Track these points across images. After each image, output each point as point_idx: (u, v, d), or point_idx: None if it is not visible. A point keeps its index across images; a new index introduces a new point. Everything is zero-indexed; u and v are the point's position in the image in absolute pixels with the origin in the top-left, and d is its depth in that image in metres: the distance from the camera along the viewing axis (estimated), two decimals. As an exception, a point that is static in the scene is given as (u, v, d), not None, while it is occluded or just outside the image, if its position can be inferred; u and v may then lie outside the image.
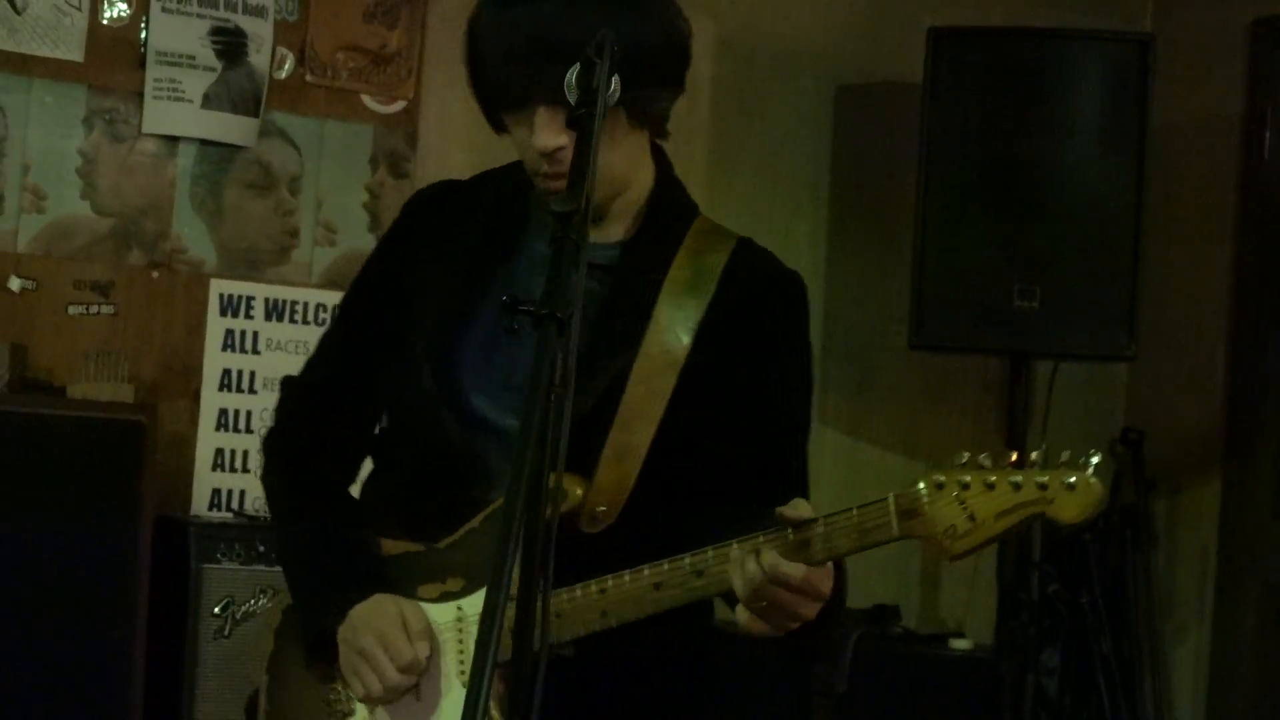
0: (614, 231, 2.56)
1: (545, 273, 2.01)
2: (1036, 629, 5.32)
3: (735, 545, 2.28)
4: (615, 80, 2.26)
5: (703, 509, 2.42)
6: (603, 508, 2.42)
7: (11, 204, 4.84)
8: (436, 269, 2.60)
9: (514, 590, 1.86)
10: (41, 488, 4.35)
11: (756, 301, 2.54)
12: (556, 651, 2.38)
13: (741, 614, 2.28)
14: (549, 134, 2.39)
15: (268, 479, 2.77)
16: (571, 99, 2.25)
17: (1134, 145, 5.19)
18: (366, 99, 5.25)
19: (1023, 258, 5.16)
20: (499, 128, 2.56)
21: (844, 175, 5.89)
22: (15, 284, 4.82)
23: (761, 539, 2.26)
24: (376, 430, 2.72)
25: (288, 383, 2.78)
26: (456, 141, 5.33)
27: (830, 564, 2.27)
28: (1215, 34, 5.91)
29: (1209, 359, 5.90)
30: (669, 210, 2.59)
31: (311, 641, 2.60)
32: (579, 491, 2.41)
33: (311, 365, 2.77)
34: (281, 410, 2.78)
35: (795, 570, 2.22)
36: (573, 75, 2.24)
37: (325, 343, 2.79)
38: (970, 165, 5.27)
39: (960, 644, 5.46)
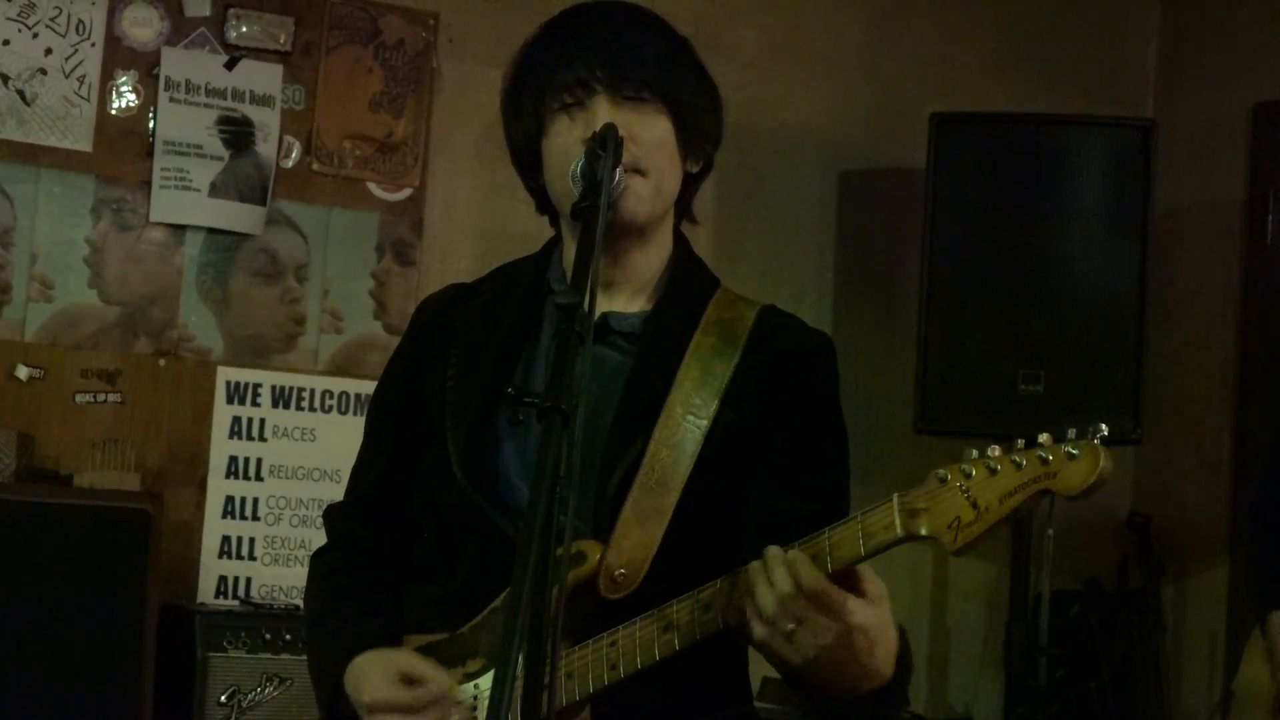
0: (637, 302, 2.59)
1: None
2: (1045, 714, 5.29)
3: (742, 571, 2.25)
4: (619, 172, 2.32)
5: (736, 567, 2.33)
6: (622, 571, 2.39)
7: (19, 293, 4.86)
8: (458, 364, 2.62)
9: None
10: (48, 576, 4.34)
11: (786, 360, 2.55)
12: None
13: (761, 633, 2.21)
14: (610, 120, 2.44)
15: (306, 591, 2.79)
16: (577, 189, 2.31)
17: (1137, 229, 5.21)
18: (373, 187, 5.28)
19: (1027, 342, 5.17)
20: (531, 159, 2.59)
21: (848, 261, 5.91)
22: (23, 373, 4.84)
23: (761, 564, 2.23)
24: (418, 534, 2.71)
25: (328, 511, 2.81)
26: (462, 228, 5.36)
27: (881, 608, 2.22)
28: (1217, 119, 5.94)
29: (1215, 442, 5.89)
30: (691, 280, 2.63)
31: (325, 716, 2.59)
32: (595, 555, 2.39)
33: (348, 489, 2.79)
34: (327, 534, 2.80)
35: (810, 573, 2.17)
36: (577, 166, 2.33)
37: (357, 463, 2.79)
38: (974, 250, 5.29)
39: (968, 730, 5.45)
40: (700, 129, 2.58)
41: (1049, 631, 5.39)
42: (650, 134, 2.49)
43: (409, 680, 2.45)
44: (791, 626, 2.19)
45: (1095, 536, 5.97)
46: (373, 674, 2.48)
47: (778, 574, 2.20)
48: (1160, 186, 5.25)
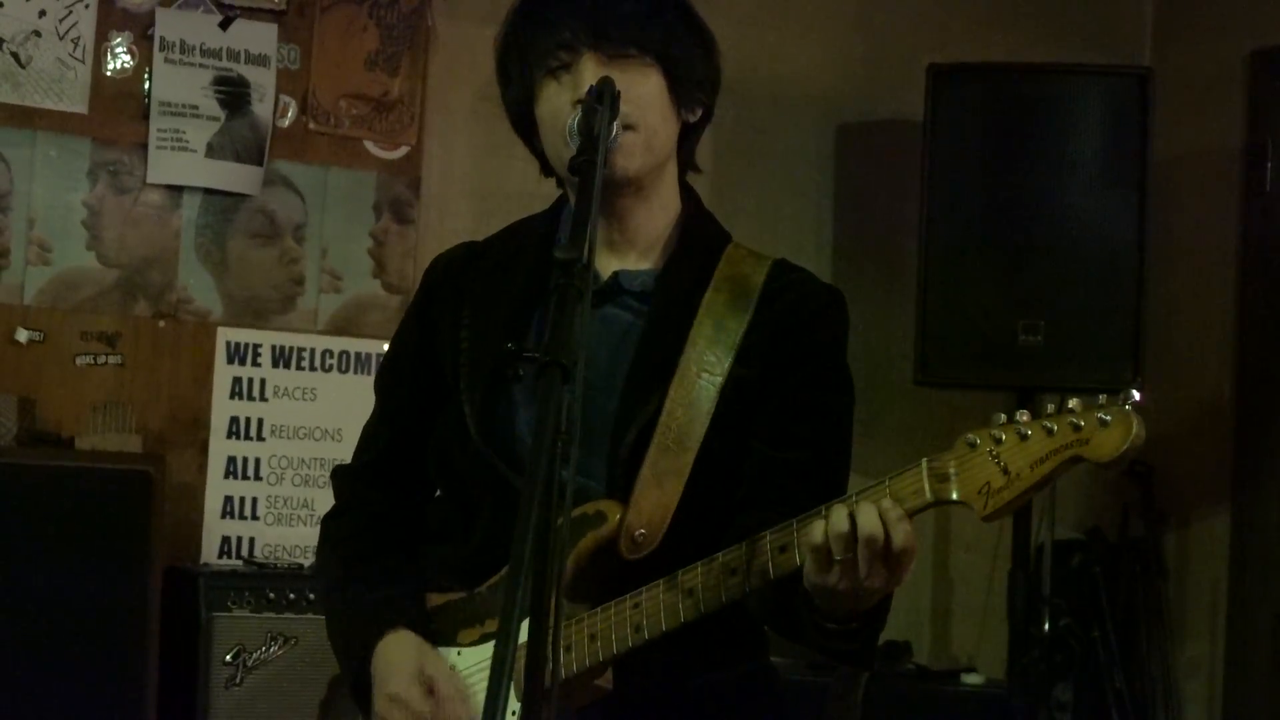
0: (646, 260, 2.58)
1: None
2: (1048, 664, 5.31)
3: (768, 535, 2.27)
4: (616, 126, 2.32)
5: (751, 520, 2.35)
6: (642, 531, 2.40)
7: (18, 257, 4.85)
8: (471, 324, 2.62)
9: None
10: (51, 540, 4.35)
11: (796, 315, 2.55)
12: (594, 683, 2.38)
13: (818, 573, 2.21)
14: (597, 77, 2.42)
15: (319, 555, 2.79)
16: (574, 144, 2.31)
17: (1135, 178, 5.20)
18: (369, 145, 5.27)
19: (1026, 293, 5.17)
20: (527, 125, 2.59)
21: (846, 214, 5.90)
22: (22, 336, 4.83)
23: (796, 524, 2.24)
24: (433, 497, 2.72)
25: (337, 471, 2.81)
26: (459, 186, 5.36)
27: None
28: (1214, 66, 5.92)
29: (1215, 391, 5.89)
30: (701, 236, 2.62)
31: (353, 688, 2.60)
32: (616, 516, 2.40)
33: (358, 451, 2.79)
34: (336, 496, 2.80)
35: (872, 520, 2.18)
36: (573, 122, 2.32)
37: (368, 425, 2.79)
38: (972, 201, 5.28)
39: (972, 679, 5.45)
40: (692, 78, 2.56)
41: (1051, 581, 5.40)
42: (639, 90, 2.47)
43: (431, 688, 2.46)
44: (844, 559, 2.20)
45: (1097, 486, 5.98)
46: (401, 667, 2.48)
47: (836, 518, 2.20)
48: (1158, 135, 5.24)
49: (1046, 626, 5.28)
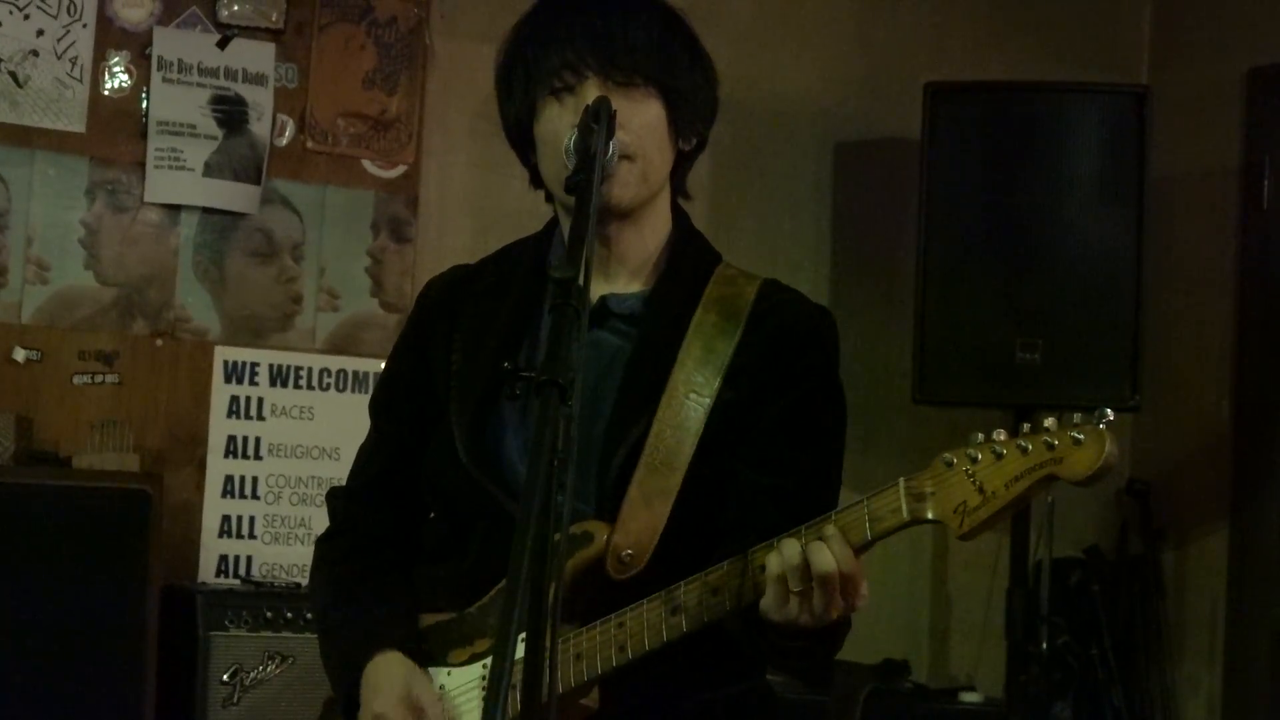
0: (635, 283, 2.59)
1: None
2: (1047, 682, 5.31)
3: (749, 554, 2.27)
4: (613, 145, 2.32)
5: (736, 545, 2.34)
6: (629, 551, 2.40)
7: (15, 276, 4.85)
8: (463, 347, 2.62)
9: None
10: (48, 559, 4.35)
11: (785, 336, 2.54)
12: (580, 702, 2.38)
13: (774, 601, 2.24)
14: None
15: (313, 576, 2.79)
16: (570, 164, 2.30)
17: (1133, 197, 5.20)
18: (367, 164, 5.27)
19: (1024, 311, 5.17)
20: (523, 141, 2.59)
21: (844, 231, 5.90)
22: (20, 355, 4.83)
23: (777, 542, 2.25)
24: (428, 518, 2.72)
25: (332, 493, 2.81)
26: (457, 204, 5.36)
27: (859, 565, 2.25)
28: (1211, 84, 5.93)
29: (1214, 408, 5.89)
30: (691, 257, 2.62)
31: (344, 709, 2.60)
32: (603, 536, 2.40)
33: (353, 473, 2.79)
34: (331, 518, 2.80)
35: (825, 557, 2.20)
36: (570, 140, 2.32)
37: (363, 447, 2.79)
38: (970, 219, 5.29)
39: (971, 698, 5.45)
40: (692, 109, 2.57)
41: (1050, 599, 5.39)
42: (640, 119, 2.48)
43: (417, 711, 2.46)
44: (801, 590, 2.22)
45: (1095, 504, 5.97)
46: (390, 687, 2.48)
47: (789, 551, 2.22)
48: (1155, 153, 5.24)
49: (1045, 645, 5.28)
